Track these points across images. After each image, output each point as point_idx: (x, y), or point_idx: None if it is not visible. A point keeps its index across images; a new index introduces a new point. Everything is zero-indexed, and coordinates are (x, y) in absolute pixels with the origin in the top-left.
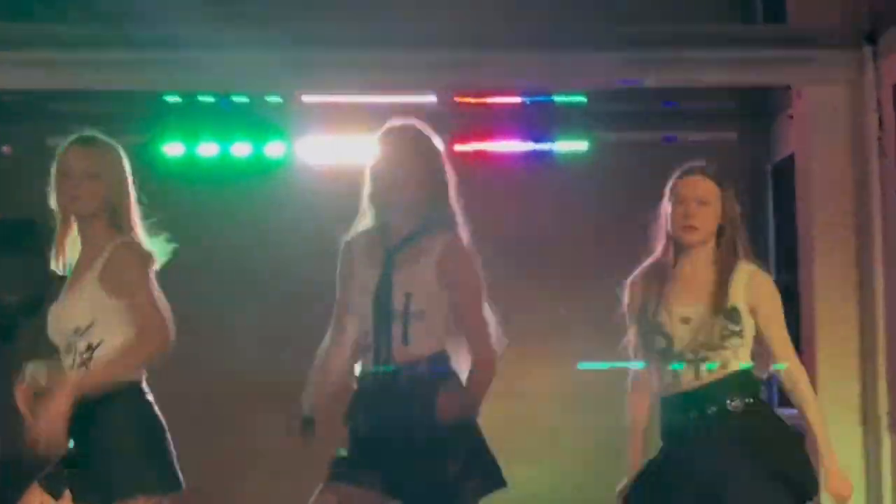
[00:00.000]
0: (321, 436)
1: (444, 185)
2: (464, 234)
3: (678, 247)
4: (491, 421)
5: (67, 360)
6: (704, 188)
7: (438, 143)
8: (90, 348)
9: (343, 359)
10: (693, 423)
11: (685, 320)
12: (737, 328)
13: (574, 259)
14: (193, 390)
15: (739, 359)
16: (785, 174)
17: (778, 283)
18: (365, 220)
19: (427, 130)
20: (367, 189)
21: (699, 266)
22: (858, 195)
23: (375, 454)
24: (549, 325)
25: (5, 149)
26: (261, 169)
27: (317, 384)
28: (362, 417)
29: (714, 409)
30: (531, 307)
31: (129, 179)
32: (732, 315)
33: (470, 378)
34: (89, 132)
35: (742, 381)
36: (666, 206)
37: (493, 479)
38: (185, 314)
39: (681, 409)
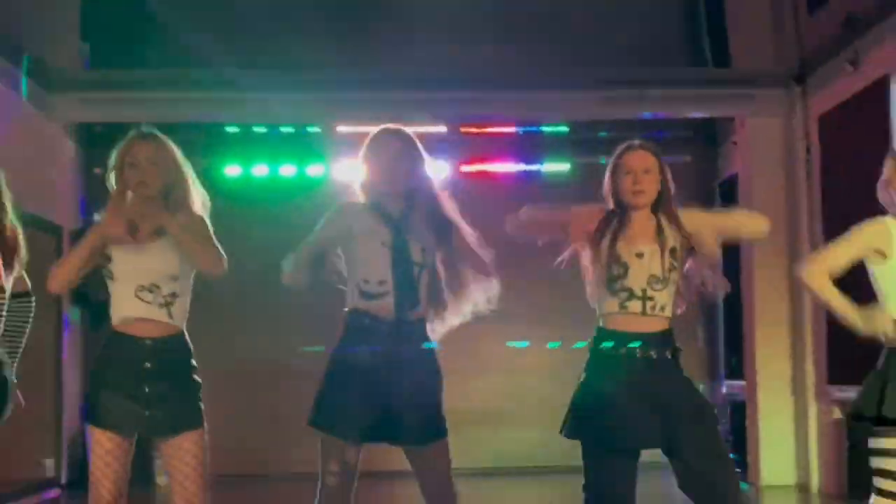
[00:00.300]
0: None
1: (426, 177)
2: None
3: (623, 208)
4: (490, 393)
5: (148, 296)
6: (648, 160)
7: (417, 141)
8: (174, 295)
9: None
10: (643, 360)
11: (639, 255)
12: (676, 264)
13: (555, 259)
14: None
15: (672, 305)
16: (730, 190)
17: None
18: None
19: (409, 132)
20: (362, 178)
21: (644, 219)
22: (789, 207)
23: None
24: (536, 313)
25: (98, 170)
26: (303, 186)
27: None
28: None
29: (664, 354)
30: (521, 298)
31: (184, 167)
32: (673, 253)
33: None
34: (146, 127)
35: (671, 338)
36: (609, 177)
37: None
38: (241, 301)
39: (636, 345)
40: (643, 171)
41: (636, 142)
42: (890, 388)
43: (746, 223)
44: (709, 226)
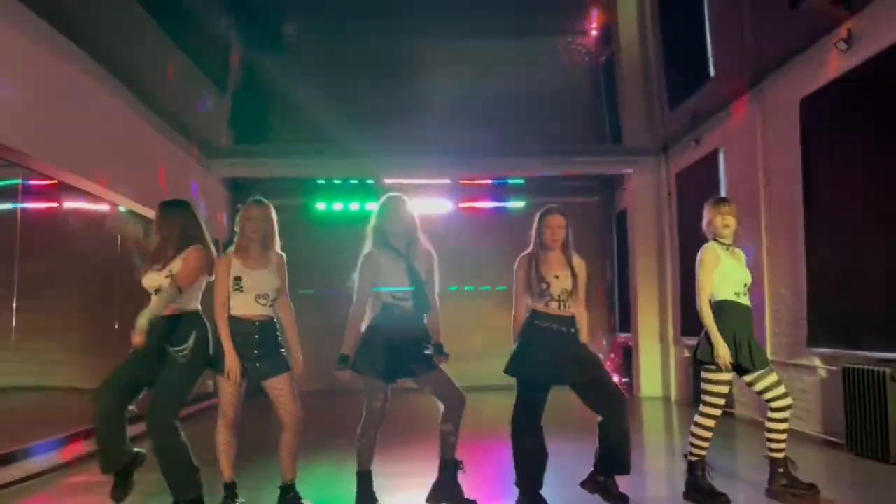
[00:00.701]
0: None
1: (417, 226)
2: (428, 247)
3: (545, 248)
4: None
5: (262, 301)
6: (560, 219)
7: (412, 206)
8: (274, 300)
9: (362, 317)
10: (558, 331)
11: (556, 277)
12: (575, 282)
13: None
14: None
15: (578, 304)
16: (622, 219)
17: (617, 270)
18: (367, 244)
19: (407, 199)
20: (372, 226)
21: (556, 255)
22: (658, 229)
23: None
24: (504, 292)
25: (240, 206)
26: (364, 216)
27: (350, 333)
28: (381, 335)
29: (570, 329)
30: (494, 283)
31: (275, 221)
32: (574, 278)
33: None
34: (258, 196)
35: (573, 322)
36: (536, 228)
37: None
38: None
39: (555, 323)
40: (558, 226)
41: (554, 206)
42: (702, 342)
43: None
44: (581, 280)
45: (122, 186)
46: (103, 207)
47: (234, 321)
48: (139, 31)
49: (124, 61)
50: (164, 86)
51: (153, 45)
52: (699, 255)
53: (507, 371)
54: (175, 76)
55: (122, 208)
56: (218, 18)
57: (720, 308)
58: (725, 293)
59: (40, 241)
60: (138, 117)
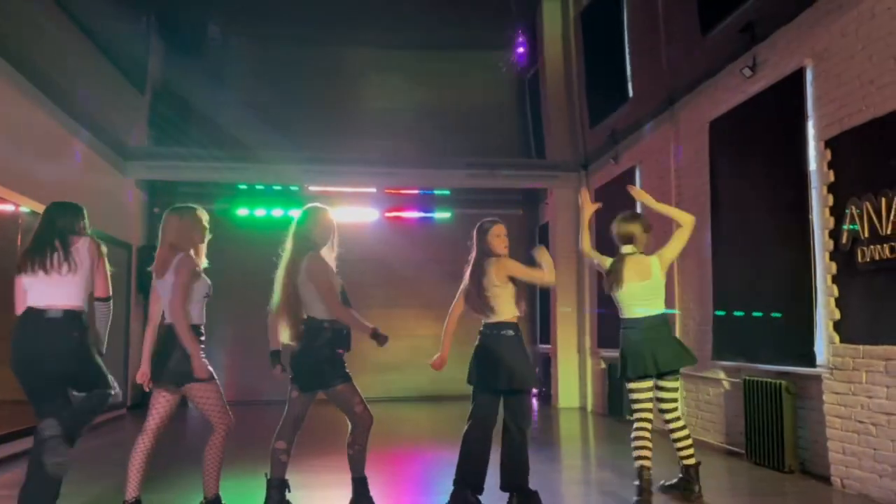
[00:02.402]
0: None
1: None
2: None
3: (486, 254)
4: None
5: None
6: (503, 228)
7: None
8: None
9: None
10: (493, 336)
11: (494, 286)
12: (503, 286)
13: (442, 268)
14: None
15: (507, 309)
16: (544, 231)
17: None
18: (297, 247)
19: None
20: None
21: (498, 263)
22: (577, 241)
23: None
24: (423, 305)
25: (156, 209)
26: (287, 222)
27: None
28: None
29: (501, 333)
30: (421, 290)
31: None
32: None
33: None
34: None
35: (505, 323)
36: (481, 236)
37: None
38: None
39: (488, 330)
40: (504, 234)
41: (493, 218)
42: (628, 357)
43: (531, 274)
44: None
45: (26, 186)
46: (6, 208)
47: None
48: (50, 24)
49: (33, 56)
50: (76, 83)
51: (64, 40)
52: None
53: (469, 380)
54: (89, 74)
55: (24, 209)
56: (138, 16)
57: None
58: None
59: None
60: (46, 115)
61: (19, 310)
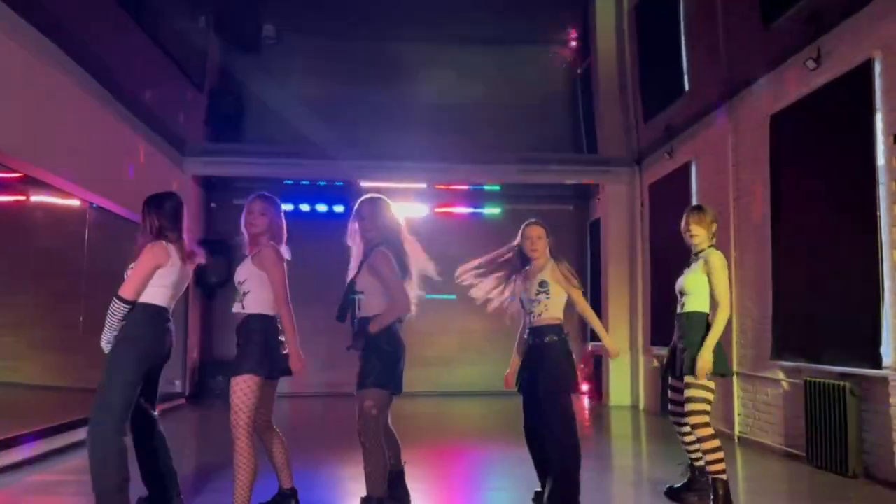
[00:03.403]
0: None
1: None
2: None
3: (525, 258)
4: (452, 345)
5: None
6: (539, 230)
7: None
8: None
9: None
10: (535, 344)
11: (526, 289)
12: (543, 291)
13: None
14: None
15: (552, 312)
16: (595, 228)
17: (590, 278)
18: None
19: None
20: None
21: (535, 266)
22: (630, 238)
23: None
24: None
25: (213, 204)
26: (331, 217)
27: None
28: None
29: (543, 339)
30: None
31: (282, 215)
32: (542, 284)
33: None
34: (262, 192)
35: (553, 326)
36: (517, 239)
37: None
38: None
39: (530, 336)
40: (537, 237)
41: (533, 219)
42: (676, 355)
43: (576, 300)
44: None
45: (92, 182)
46: (72, 203)
47: None
48: (114, 26)
49: (99, 57)
50: (140, 82)
51: (128, 41)
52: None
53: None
54: (151, 72)
55: (91, 204)
56: (197, 17)
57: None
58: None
59: (6, 235)
60: (111, 112)
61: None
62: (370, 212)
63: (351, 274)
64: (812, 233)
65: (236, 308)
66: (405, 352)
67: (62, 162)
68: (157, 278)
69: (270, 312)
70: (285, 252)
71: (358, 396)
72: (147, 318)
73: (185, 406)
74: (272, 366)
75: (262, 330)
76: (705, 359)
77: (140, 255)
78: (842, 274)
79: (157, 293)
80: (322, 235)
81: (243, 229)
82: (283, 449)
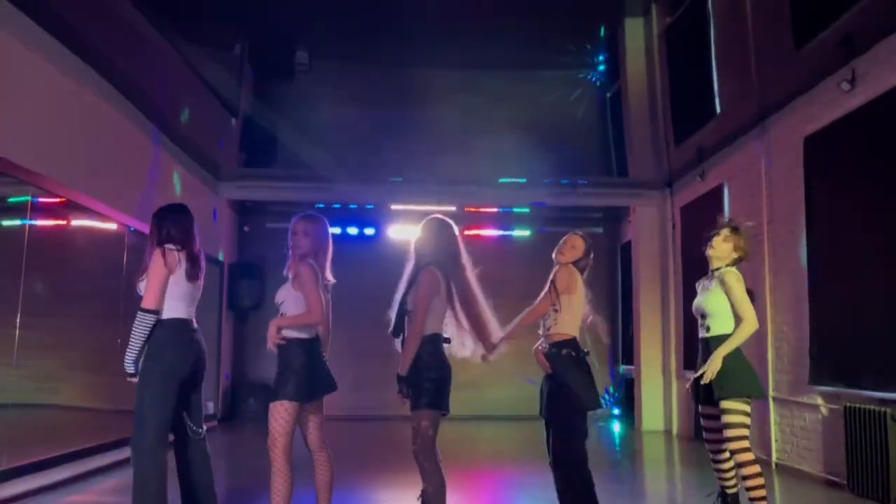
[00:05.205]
0: None
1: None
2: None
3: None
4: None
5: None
6: (575, 240)
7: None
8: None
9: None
10: (554, 356)
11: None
12: (557, 305)
13: (522, 285)
14: None
15: (560, 328)
16: (626, 250)
17: (621, 302)
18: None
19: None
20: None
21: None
22: (662, 261)
23: None
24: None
25: (246, 228)
26: (362, 240)
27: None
28: None
29: (561, 351)
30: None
31: (328, 235)
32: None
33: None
34: (308, 212)
35: (563, 342)
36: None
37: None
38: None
39: (550, 349)
40: (570, 246)
41: (577, 231)
42: (700, 380)
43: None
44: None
45: (130, 206)
46: (110, 226)
47: None
48: (153, 54)
49: (137, 83)
50: (177, 109)
51: (166, 69)
52: None
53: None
54: (188, 99)
55: (130, 228)
56: (231, 45)
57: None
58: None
59: (46, 257)
60: (149, 138)
61: None
62: (425, 232)
63: (399, 293)
64: (849, 255)
65: None
66: (451, 372)
67: (102, 186)
68: (171, 288)
69: (307, 336)
70: (329, 275)
71: (414, 417)
72: (167, 335)
73: (218, 428)
74: (311, 390)
75: (300, 354)
76: (716, 364)
77: (148, 264)
78: (880, 297)
79: (175, 306)
80: (353, 259)
81: (289, 250)
82: (328, 472)
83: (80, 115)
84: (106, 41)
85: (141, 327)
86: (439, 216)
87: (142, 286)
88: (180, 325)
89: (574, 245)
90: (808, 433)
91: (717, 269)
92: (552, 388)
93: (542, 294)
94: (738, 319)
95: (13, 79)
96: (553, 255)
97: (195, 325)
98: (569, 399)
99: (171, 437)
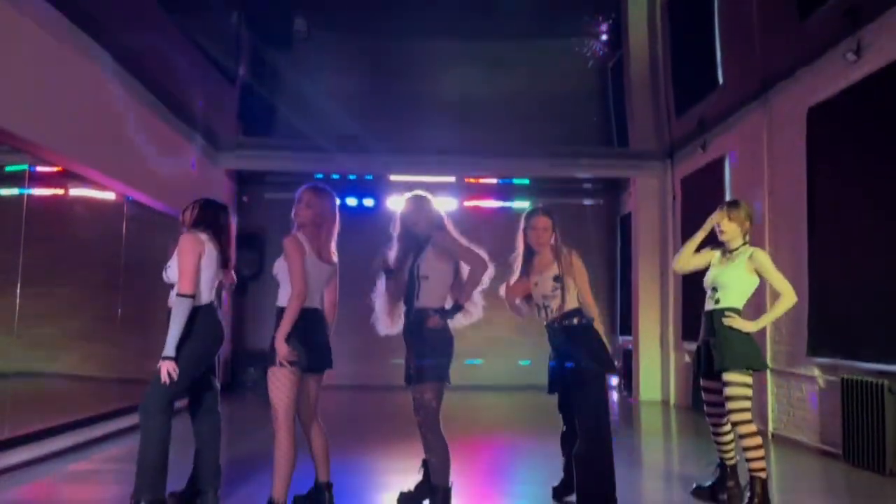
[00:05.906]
0: None
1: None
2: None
3: (531, 250)
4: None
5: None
6: (545, 221)
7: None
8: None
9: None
10: (558, 329)
11: (535, 284)
12: (558, 285)
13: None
14: None
15: (568, 302)
16: (626, 223)
17: (620, 273)
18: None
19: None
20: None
21: (543, 259)
22: (661, 233)
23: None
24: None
25: (245, 198)
26: (362, 212)
27: None
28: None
29: (571, 321)
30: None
31: (335, 208)
32: (556, 279)
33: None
34: (315, 183)
35: (575, 311)
36: (522, 232)
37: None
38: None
39: (551, 327)
40: (542, 228)
41: (538, 206)
42: (702, 352)
43: (583, 294)
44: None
45: (128, 175)
46: (108, 195)
47: None
48: (149, 20)
49: (133, 50)
50: (174, 76)
51: (162, 35)
52: None
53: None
54: (184, 66)
55: (128, 198)
56: (229, 12)
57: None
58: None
59: (45, 227)
60: (146, 106)
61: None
62: (415, 209)
63: (392, 261)
64: (850, 228)
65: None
66: (453, 345)
67: (99, 155)
68: (201, 272)
69: (305, 305)
70: (333, 252)
71: (417, 389)
72: (199, 321)
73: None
74: (308, 360)
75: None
76: (751, 325)
77: (179, 247)
78: (880, 270)
79: (201, 292)
80: (352, 229)
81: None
82: (323, 443)
83: (77, 83)
84: (102, 8)
85: (181, 313)
86: (419, 191)
87: (169, 273)
88: (207, 309)
89: (546, 227)
90: (805, 404)
91: (737, 248)
92: (577, 365)
93: (520, 275)
94: (742, 296)
95: (7, 46)
96: (530, 242)
97: (215, 304)
98: (593, 372)
99: (185, 403)
